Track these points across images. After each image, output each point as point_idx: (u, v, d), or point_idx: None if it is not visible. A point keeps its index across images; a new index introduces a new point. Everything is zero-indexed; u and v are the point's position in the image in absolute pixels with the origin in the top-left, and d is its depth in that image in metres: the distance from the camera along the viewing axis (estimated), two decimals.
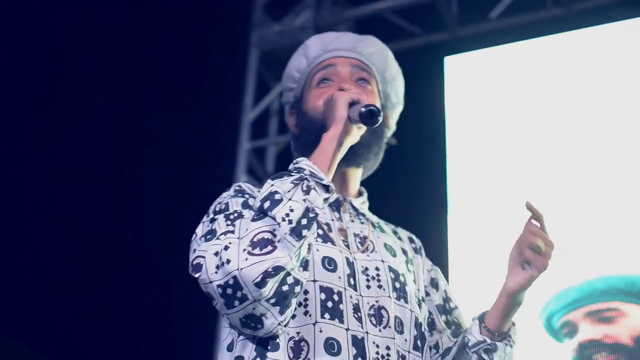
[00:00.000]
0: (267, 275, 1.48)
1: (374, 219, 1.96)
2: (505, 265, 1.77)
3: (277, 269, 1.48)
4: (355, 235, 1.84)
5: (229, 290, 1.49)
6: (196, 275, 1.55)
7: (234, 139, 4.68)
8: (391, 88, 2.05)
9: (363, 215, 1.92)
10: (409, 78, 2.11)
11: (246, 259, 1.48)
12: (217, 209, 1.68)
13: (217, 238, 1.56)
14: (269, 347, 1.58)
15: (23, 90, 4.38)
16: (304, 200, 1.55)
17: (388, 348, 1.67)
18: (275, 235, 1.51)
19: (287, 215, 1.52)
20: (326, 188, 1.61)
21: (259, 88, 4.79)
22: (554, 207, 3.46)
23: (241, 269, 1.48)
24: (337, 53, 1.97)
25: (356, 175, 1.94)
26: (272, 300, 1.51)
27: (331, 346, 1.61)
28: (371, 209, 2.00)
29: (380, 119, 1.67)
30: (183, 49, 4.71)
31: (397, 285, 1.77)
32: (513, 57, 3.99)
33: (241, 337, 1.63)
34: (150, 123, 4.53)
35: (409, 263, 1.91)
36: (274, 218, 1.52)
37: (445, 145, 3.80)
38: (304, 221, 1.53)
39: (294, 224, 1.51)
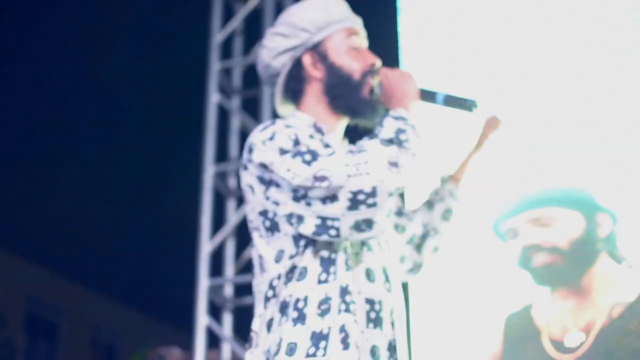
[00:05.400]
0: (397, 190, 1.82)
1: None
2: None
3: (401, 188, 1.84)
4: None
5: (361, 196, 1.78)
6: (323, 185, 1.79)
7: (203, 60, 4.93)
8: None
9: None
10: (359, 15, 2.27)
11: (385, 173, 1.80)
12: (294, 138, 1.90)
13: (335, 155, 1.83)
14: (330, 266, 1.89)
15: None
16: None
17: (394, 274, 2.02)
18: (400, 161, 1.85)
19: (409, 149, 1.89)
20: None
21: (224, 10, 5.00)
22: (513, 135, 3.63)
23: (382, 180, 1.79)
24: (357, 24, 2.25)
25: None
26: (386, 212, 1.84)
27: (369, 274, 1.93)
28: None
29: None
30: None
31: None
32: None
33: (307, 250, 1.90)
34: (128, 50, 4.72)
35: None
36: (405, 148, 1.87)
37: None
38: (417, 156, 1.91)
39: (414, 157, 1.88)
